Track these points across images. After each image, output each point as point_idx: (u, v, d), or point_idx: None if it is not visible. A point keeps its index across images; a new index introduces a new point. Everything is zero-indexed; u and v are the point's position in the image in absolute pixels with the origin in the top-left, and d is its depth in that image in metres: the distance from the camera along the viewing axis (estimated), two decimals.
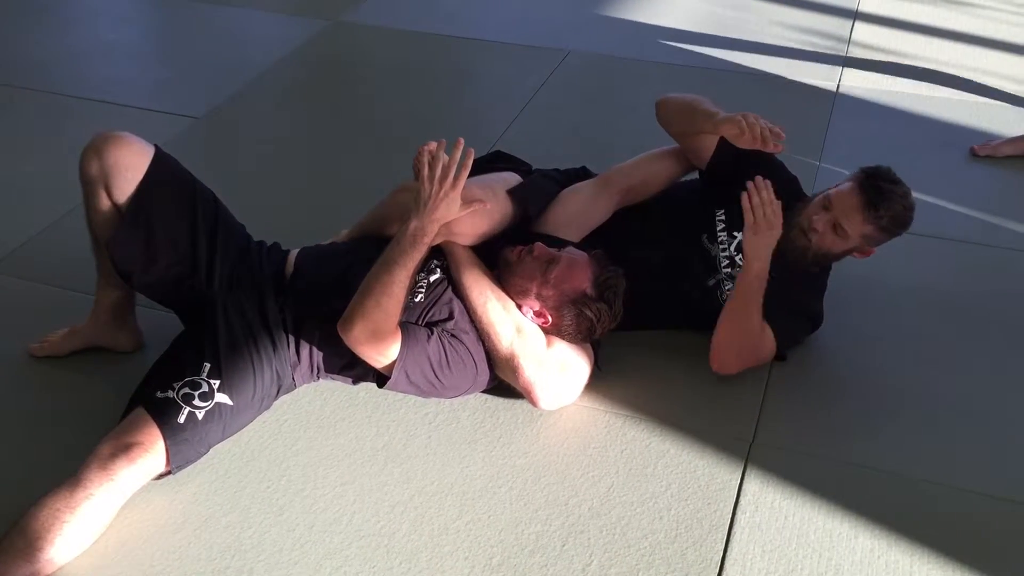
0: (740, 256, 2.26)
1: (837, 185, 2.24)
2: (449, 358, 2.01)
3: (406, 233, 1.95)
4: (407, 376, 1.98)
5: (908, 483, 2.00)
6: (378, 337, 1.93)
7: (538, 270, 2.05)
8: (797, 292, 2.27)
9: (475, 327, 2.06)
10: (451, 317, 2.05)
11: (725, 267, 2.29)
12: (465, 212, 1.99)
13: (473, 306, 2.07)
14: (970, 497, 1.97)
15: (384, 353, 1.95)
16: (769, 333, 2.20)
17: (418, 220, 1.94)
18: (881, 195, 2.14)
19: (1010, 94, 3.65)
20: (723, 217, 2.31)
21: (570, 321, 2.06)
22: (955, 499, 1.97)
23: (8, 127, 3.33)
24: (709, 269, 2.30)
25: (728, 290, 2.27)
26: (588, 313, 2.04)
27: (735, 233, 2.28)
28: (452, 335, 2.03)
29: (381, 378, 2.02)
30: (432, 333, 2.01)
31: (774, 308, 2.19)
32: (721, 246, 2.30)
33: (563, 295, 2.04)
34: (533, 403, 2.07)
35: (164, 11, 4.35)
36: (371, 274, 1.95)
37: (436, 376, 2.01)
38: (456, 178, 1.94)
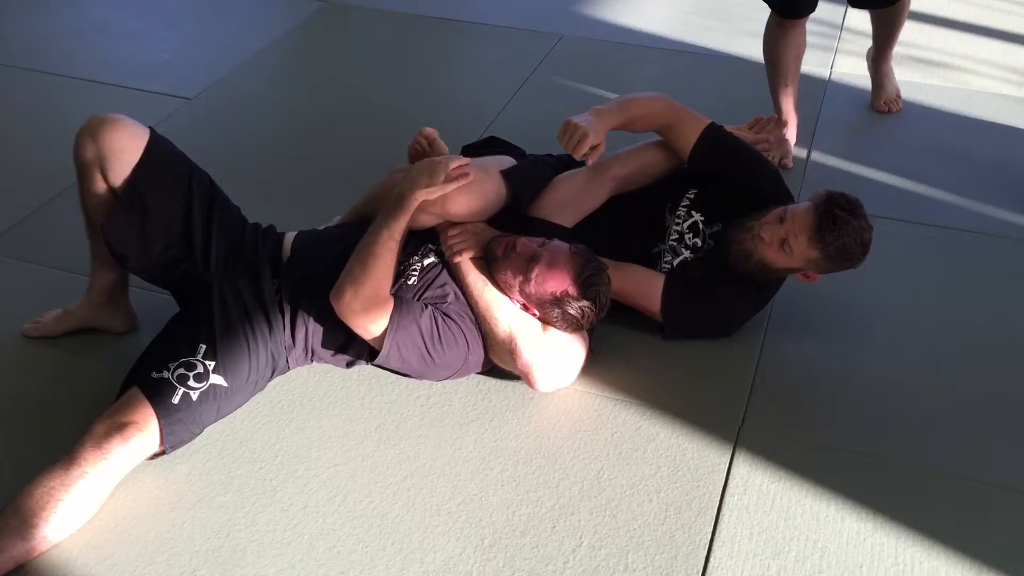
0: (691, 234, 2.29)
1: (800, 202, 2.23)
2: (441, 334, 2.02)
3: (391, 199, 1.98)
4: (399, 348, 1.99)
5: (895, 466, 2.02)
6: (369, 304, 1.94)
7: (521, 267, 2.04)
8: (727, 289, 2.27)
9: (471, 311, 2.07)
10: (445, 299, 2.06)
11: (672, 239, 2.31)
12: (452, 187, 2.00)
13: (470, 289, 2.08)
14: (957, 482, 1.99)
15: (376, 321, 1.96)
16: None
17: (403, 187, 1.99)
18: (834, 223, 2.09)
19: (1004, 82, 3.66)
20: (692, 196, 2.33)
21: (556, 316, 2.06)
22: (941, 483, 1.99)
23: None
24: (656, 238, 2.32)
25: (666, 261, 2.30)
26: (571, 311, 2.04)
27: (693, 213, 2.31)
28: (446, 314, 2.04)
29: (373, 352, 2.03)
30: (426, 308, 2.03)
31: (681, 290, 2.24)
32: (676, 219, 2.31)
33: (545, 294, 2.03)
34: (531, 385, 2.08)
35: None
36: (360, 243, 1.98)
37: (428, 351, 2.02)
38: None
